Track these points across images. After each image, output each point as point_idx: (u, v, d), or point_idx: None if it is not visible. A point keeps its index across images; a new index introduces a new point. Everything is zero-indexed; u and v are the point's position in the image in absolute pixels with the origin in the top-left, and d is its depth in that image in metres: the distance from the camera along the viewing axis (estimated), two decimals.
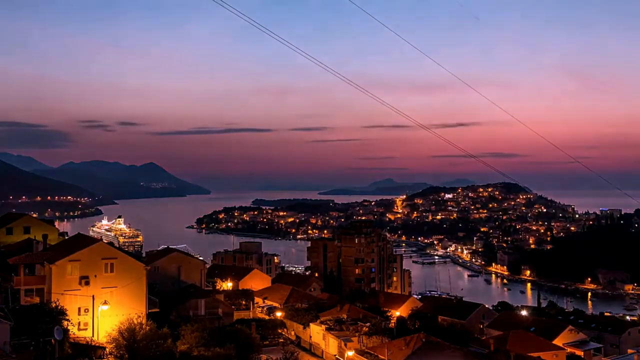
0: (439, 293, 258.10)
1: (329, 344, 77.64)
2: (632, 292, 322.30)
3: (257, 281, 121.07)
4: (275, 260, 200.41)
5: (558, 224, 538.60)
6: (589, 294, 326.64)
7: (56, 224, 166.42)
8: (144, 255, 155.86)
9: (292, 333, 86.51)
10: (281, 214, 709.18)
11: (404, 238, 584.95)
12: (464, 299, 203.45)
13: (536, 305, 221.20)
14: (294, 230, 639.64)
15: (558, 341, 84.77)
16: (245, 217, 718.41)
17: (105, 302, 62.79)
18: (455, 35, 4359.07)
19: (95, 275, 63.46)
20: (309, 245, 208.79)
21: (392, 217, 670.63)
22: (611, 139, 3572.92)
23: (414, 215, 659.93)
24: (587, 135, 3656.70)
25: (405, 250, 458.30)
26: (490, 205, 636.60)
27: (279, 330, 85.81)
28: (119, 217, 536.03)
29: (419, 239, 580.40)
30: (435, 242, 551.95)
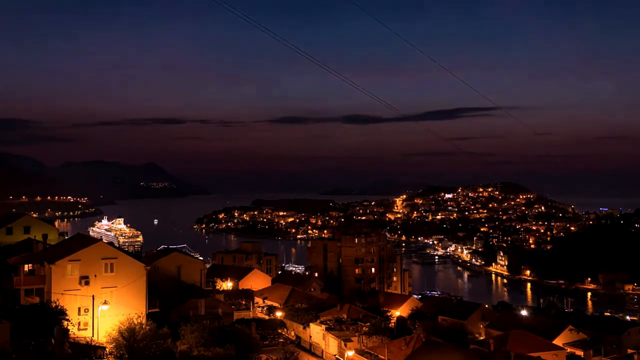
0: (439, 293, 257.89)
1: (329, 344, 77.64)
2: (632, 292, 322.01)
3: (257, 281, 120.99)
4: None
5: (558, 224, 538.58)
6: (589, 294, 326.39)
7: (56, 224, 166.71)
8: (144, 255, 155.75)
9: (292, 333, 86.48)
10: (281, 214, 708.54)
11: (404, 238, 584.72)
12: (464, 299, 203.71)
13: (536, 305, 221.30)
14: (294, 230, 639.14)
15: (558, 341, 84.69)
16: (245, 217, 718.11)
17: (105, 302, 62.80)
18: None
19: (95, 275, 63.49)
20: (309, 245, 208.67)
21: (392, 217, 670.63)
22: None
23: (414, 215, 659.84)
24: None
25: (405, 250, 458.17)
26: (490, 205, 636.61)
27: (279, 330, 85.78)
28: (119, 217, 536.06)
29: (419, 239, 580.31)
30: (435, 242, 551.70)
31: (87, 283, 62.73)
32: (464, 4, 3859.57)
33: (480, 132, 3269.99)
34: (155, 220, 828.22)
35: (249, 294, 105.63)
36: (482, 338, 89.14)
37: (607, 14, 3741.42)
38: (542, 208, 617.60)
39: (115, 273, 64.53)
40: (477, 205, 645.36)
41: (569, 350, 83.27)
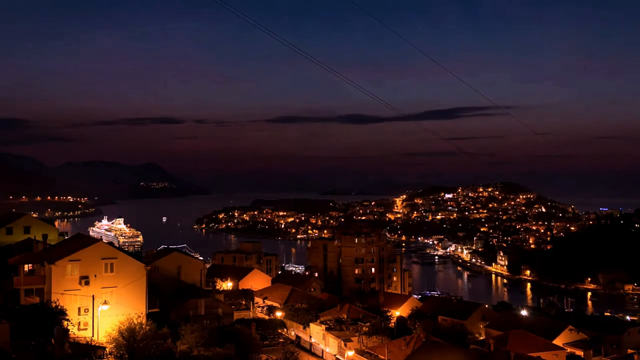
0: (439, 293, 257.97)
1: (329, 344, 77.69)
2: (632, 292, 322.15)
3: (257, 281, 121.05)
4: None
5: (558, 224, 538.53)
6: (589, 294, 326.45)
7: (56, 224, 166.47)
8: (144, 255, 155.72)
9: (292, 333, 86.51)
10: (281, 213, 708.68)
11: (404, 238, 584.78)
12: (464, 299, 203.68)
13: (536, 305, 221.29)
14: (294, 230, 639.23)
15: (558, 341, 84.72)
16: (245, 217, 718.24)
17: (105, 302, 62.83)
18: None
19: (95, 275, 63.51)
20: (309, 245, 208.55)
21: (392, 217, 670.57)
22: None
23: (414, 215, 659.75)
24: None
25: (405, 250, 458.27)
26: (490, 205, 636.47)
27: (279, 330, 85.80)
28: (119, 217, 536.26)
29: (419, 239, 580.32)
30: (435, 242, 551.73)
31: (87, 283, 62.74)
32: (464, 4, 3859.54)
33: (480, 132, 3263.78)
34: (164, 217, 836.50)
35: (249, 294, 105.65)
36: (482, 338, 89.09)
37: (607, 13, 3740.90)
38: (542, 208, 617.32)
39: (115, 273, 64.55)
40: (477, 205, 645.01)
41: (569, 350, 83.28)
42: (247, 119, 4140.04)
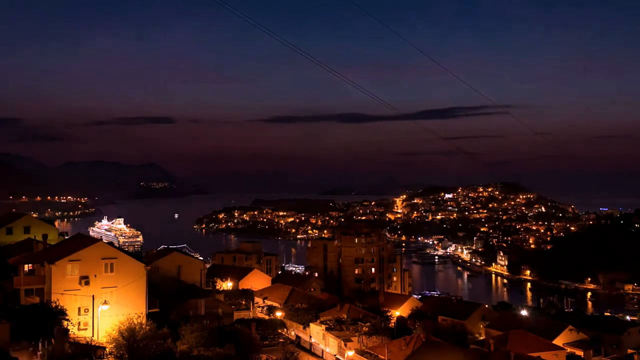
0: (439, 293, 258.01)
1: (329, 344, 77.71)
2: (632, 292, 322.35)
3: (257, 281, 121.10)
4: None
5: (558, 224, 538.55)
6: (589, 294, 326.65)
7: (56, 224, 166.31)
8: (144, 255, 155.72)
9: (292, 333, 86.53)
10: (281, 214, 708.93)
11: (404, 238, 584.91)
12: (464, 299, 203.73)
13: (536, 305, 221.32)
14: (294, 230, 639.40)
15: (558, 341, 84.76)
16: (245, 217, 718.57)
17: (105, 302, 62.84)
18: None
19: (95, 275, 63.53)
20: (309, 245, 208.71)
21: (392, 217, 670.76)
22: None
23: (414, 215, 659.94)
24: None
25: (405, 250, 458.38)
26: (490, 205, 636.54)
27: (279, 330, 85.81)
28: (119, 217, 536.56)
29: (419, 239, 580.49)
30: (435, 242, 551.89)
31: (87, 283, 62.76)
32: (464, 4, 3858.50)
33: (480, 131, 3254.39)
34: (176, 214, 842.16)
35: (249, 294, 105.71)
36: (482, 338, 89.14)
37: (607, 13, 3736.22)
38: (542, 208, 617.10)
39: (115, 273, 64.57)
40: (477, 205, 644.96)
41: (569, 350, 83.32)
42: (247, 119, 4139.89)
